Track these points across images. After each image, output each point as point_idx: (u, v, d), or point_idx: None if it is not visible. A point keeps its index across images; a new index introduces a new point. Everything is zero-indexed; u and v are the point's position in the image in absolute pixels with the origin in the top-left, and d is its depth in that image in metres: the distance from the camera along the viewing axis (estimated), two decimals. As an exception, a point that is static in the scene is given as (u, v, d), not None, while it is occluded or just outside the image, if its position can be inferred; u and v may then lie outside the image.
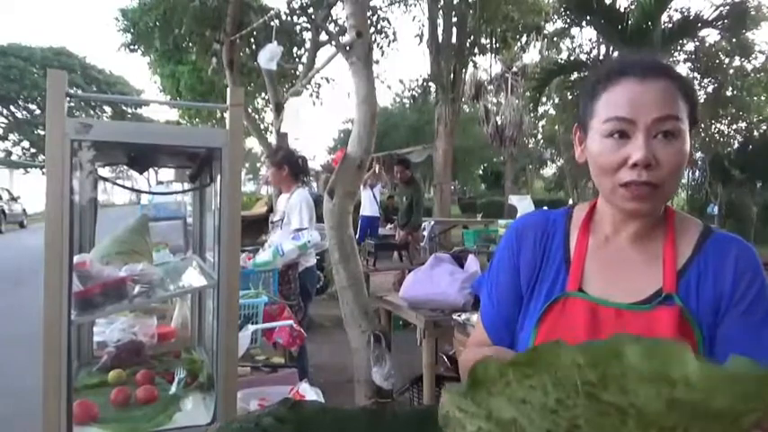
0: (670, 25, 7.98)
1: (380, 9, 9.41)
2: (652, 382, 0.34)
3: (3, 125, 27.83)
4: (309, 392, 1.68)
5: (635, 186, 0.80)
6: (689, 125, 0.82)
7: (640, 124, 0.79)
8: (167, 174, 2.23)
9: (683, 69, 14.16)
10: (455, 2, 10.54)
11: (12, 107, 27.42)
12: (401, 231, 7.42)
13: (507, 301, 0.95)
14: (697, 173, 15.21)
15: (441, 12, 10.60)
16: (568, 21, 10.44)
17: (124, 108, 26.77)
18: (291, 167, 3.50)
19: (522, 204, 7.34)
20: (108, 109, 27.41)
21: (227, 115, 1.46)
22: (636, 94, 0.81)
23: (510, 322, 0.94)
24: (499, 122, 17.67)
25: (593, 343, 0.37)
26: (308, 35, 7.51)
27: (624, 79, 0.82)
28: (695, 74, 13.85)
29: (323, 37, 6.54)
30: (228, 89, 1.55)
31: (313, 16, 6.88)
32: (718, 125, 15.40)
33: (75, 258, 1.33)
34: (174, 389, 1.60)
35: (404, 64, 16.67)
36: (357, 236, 5.28)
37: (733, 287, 0.81)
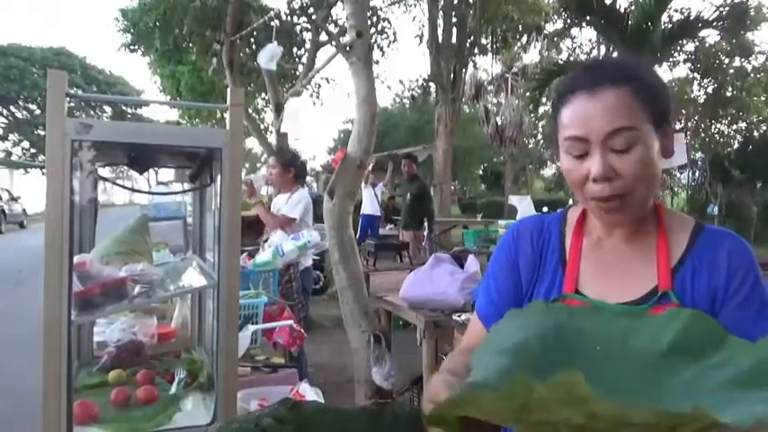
0: (670, 26, 7.98)
1: (380, 9, 9.41)
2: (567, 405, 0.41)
3: (3, 125, 27.83)
4: (309, 392, 1.68)
5: (601, 200, 0.81)
6: (656, 125, 0.81)
7: (593, 140, 0.79)
8: (167, 174, 2.23)
9: (682, 70, 14.18)
10: (455, 2, 10.55)
11: (12, 107, 27.42)
12: (404, 232, 7.31)
13: (508, 298, 0.94)
14: (697, 173, 15.22)
15: (441, 12, 10.60)
16: (568, 21, 10.43)
17: (124, 108, 26.76)
18: (297, 169, 3.65)
19: (523, 205, 7.32)
20: (108, 109, 27.39)
21: (227, 115, 1.47)
22: (585, 110, 0.80)
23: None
24: (499, 123, 17.67)
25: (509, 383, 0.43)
26: (308, 35, 7.51)
27: (575, 95, 0.82)
28: (695, 74, 13.86)
29: (323, 37, 6.54)
30: (229, 89, 1.55)
31: (313, 16, 6.89)
32: (718, 125, 15.39)
33: (76, 258, 1.33)
34: (174, 389, 1.61)
35: (404, 64, 16.67)
36: (357, 235, 5.25)
37: (727, 281, 0.81)
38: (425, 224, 7.48)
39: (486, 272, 1.03)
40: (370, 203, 7.96)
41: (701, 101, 14.32)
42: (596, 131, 0.79)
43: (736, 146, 15.70)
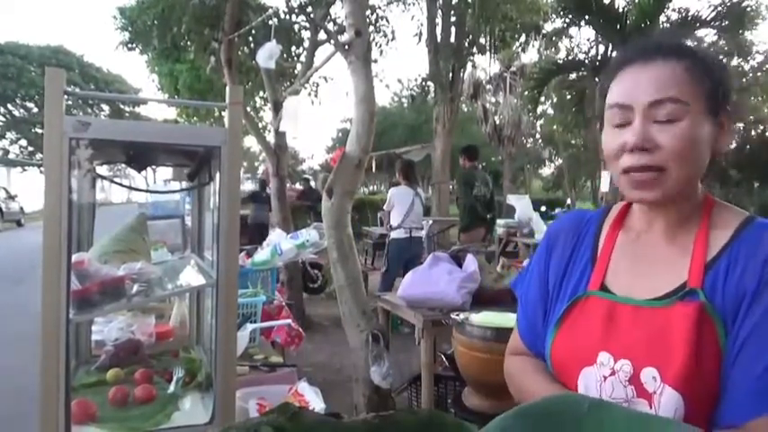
0: (668, 25, 7.99)
1: (379, 8, 9.39)
2: None
3: (0, 123, 27.76)
4: (308, 392, 1.67)
5: (634, 172, 0.78)
6: (710, 109, 0.78)
7: (637, 109, 0.78)
8: (166, 172, 2.23)
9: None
10: (454, 1, 10.54)
11: (9, 105, 27.35)
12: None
13: (536, 309, 0.95)
14: (695, 173, 15.18)
15: (439, 11, 10.59)
16: (567, 20, 10.43)
17: (122, 107, 26.71)
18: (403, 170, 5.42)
19: (521, 204, 7.34)
20: (106, 107, 27.35)
21: (225, 114, 1.46)
22: (635, 79, 0.79)
23: (540, 330, 0.94)
24: (497, 122, 17.72)
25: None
26: (306, 34, 7.48)
27: (628, 66, 0.80)
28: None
29: (322, 36, 6.52)
30: (227, 87, 1.55)
31: (312, 15, 6.87)
32: (715, 125, 15.38)
33: (74, 257, 1.32)
34: (172, 388, 1.60)
35: (402, 63, 16.68)
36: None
37: (759, 283, 0.74)
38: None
39: (525, 274, 1.03)
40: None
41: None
42: (640, 99, 0.77)
43: (733, 145, 15.74)
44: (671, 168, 0.77)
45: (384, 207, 5.85)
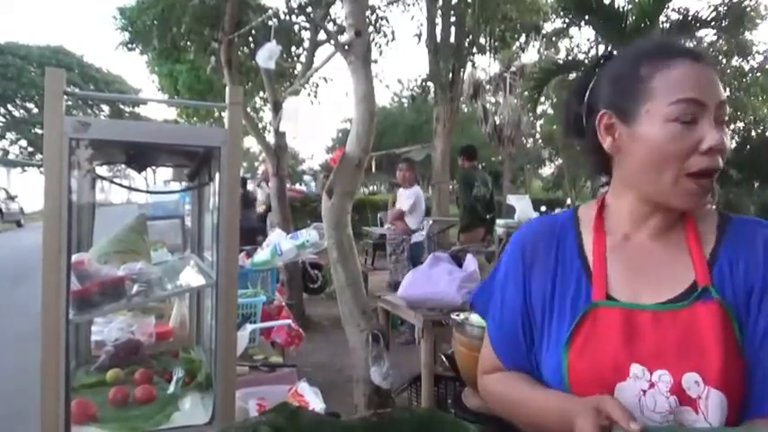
0: (668, 25, 7.99)
1: (379, 8, 9.39)
2: None
3: (0, 124, 27.76)
4: (308, 392, 1.67)
5: (707, 175, 0.74)
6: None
7: (710, 107, 0.74)
8: (166, 173, 2.23)
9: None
10: (453, 1, 10.53)
11: (9, 106, 27.36)
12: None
13: (513, 319, 0.89)
14: (695, 172, 15.19)
15: (439, 11, 10.59)
16: (567, 20, 10.43)
17: (122, 107, 26.70)
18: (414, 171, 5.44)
19: (521, 204, 7.33)
20: (106, 108, 27.34)
21: (225, 114, 1.46)
22: (701, 75, 0.75)
23: (517, 343, 0.89)
24: (497, 122, 17.71)
25: None
26: (306, 34, 7.48)
27: (682, 59, 0.76)
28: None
29: (322, 36, 6.52)
30: (227, 88, 1.55)
31: (312, 15, 6.87)
32: (715, 125, 15.39)
33: (74, 257, 1.32)
34: (172, 388, 1.60)
35: (402, 63, 16.66)
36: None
37: (764, 279, 0.75)
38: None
39: (491, 285, 0.95)
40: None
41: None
42: (713, 97, 0.74)
43: (733, 145, 15.74)
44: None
45: (405, 208, 5.66)
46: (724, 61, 13.48)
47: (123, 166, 1.73)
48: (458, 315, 2.40)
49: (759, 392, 0.73)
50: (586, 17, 8.16)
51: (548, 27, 12.07)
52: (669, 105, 0.75)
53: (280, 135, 5.83)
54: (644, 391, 0.74)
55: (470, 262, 2.69)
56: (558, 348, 0.81)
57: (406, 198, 5.59)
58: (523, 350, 0.88)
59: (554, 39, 12.82)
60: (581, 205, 0.93)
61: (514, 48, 12.65)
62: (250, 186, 9.92)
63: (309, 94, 9.06)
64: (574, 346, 0.79)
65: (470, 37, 11.00)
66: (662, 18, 7.81)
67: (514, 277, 0.90)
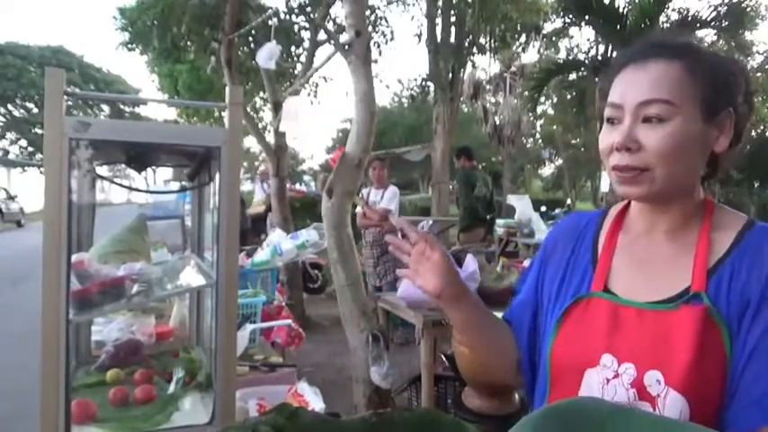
0: (668, 25, 7.98)
1: (379, 8, 9.39)
2: None
3: (0, 124, 27.77)
4: (308, 392, 1.67)
5: (619, 170, 0.79)
6: (707, 110, 0.77)
7: (627, 108, 0.78)
8: (166, 173, 2.23)
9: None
10: (454, 1, 10.53)
11: (9, 106, 27.36)
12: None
13: (523, 310, 0.97)
14: (695, 172, 15.18)
15: (439, 11, 10.59)
16: (567, 20, 10.43)
17: (122, 107, 26.70)
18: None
19: (521, 204, 7.34)
20: (106, 108, 27.34)
21: (225, 114, 1.46)
22: (631, 79, 0.80)
23: (524, 317, 0.96)
24: (497, 122, 17.72)
25: None
26: (306, 34, 7.48)
27: (627, 67, 0.81)
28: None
29: (322, 36, 6.52)
30: (227, 88, 1.55)
31: (312, 15, 6.87)
32: (715, 125, 15.38)
33: (74, 257, 1.32)
34: (172, 388, 1.60)
35: (402, 63, 16.68)
36: None
37: (761, 295, 0.74)
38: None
39: (523, 279, 1.03)
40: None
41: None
42: (631, 99, 0.78)
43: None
44: (654, 168, 0.77)
45: (391, 207, 5.20)
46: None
47: (123, 166, 1.73)
48: (458, 315, 2.40)
49: (731, 409, 0.73)
50: (586, 17, 8.16)
51: (548, 27, 12.05)
52: (604, 110, 0.83)
53: (280, 135, 5.82)
54: (608, 380, 0.78)
55: (470, 262, 2.69)
56: (551, 328, 0.87)
57: (389, 198, 5.29)
58: (524, 335, 0.96)
59: (554, 39, 12.81)
60: (614, 205, 0.96)
61: (514, 48, 12.65)
62: (243, 186, 9.93)
63: (309, 94, 9.06)
64: (562, 327, 0.85)
65: (470, 37, 10.99)
66: (662, 18, 7.81)
67: (534, 269, 0.98)
